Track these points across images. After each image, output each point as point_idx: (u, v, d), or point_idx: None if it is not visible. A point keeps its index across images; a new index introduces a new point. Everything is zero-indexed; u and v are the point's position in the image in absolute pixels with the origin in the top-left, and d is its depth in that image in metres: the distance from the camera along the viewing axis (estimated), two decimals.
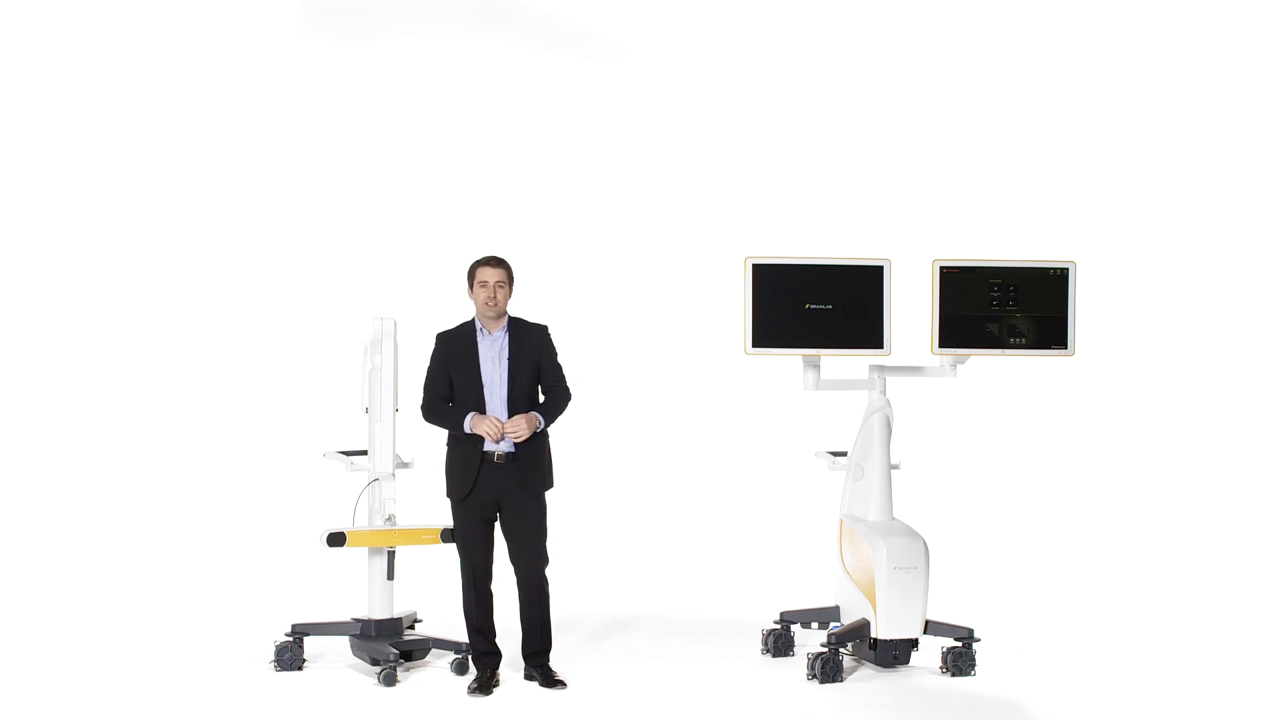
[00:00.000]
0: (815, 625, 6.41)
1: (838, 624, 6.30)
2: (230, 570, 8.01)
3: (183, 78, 8.90)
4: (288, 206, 9.00)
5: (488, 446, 5.83)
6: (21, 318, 8.69)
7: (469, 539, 5.93)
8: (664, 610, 7.54)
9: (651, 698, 5.82)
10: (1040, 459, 8.89)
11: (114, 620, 7.14)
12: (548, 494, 5.98)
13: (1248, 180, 8.98)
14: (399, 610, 6.35)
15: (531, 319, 6.03)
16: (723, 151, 9.25)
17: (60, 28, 8.77)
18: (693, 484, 8.91)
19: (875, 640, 6.06)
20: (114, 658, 6.42)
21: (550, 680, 5.93)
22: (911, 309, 6.41)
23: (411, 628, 6.44)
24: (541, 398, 5.95)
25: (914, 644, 6.13)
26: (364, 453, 6.29)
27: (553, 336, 6.00)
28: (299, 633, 6.18)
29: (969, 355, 6.20)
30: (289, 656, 6.14)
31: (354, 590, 6.76)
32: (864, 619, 6.11)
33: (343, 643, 6.40)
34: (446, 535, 6.11)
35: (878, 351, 6.15)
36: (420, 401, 5.97)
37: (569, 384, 5.99)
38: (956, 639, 6.13)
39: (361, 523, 6.22)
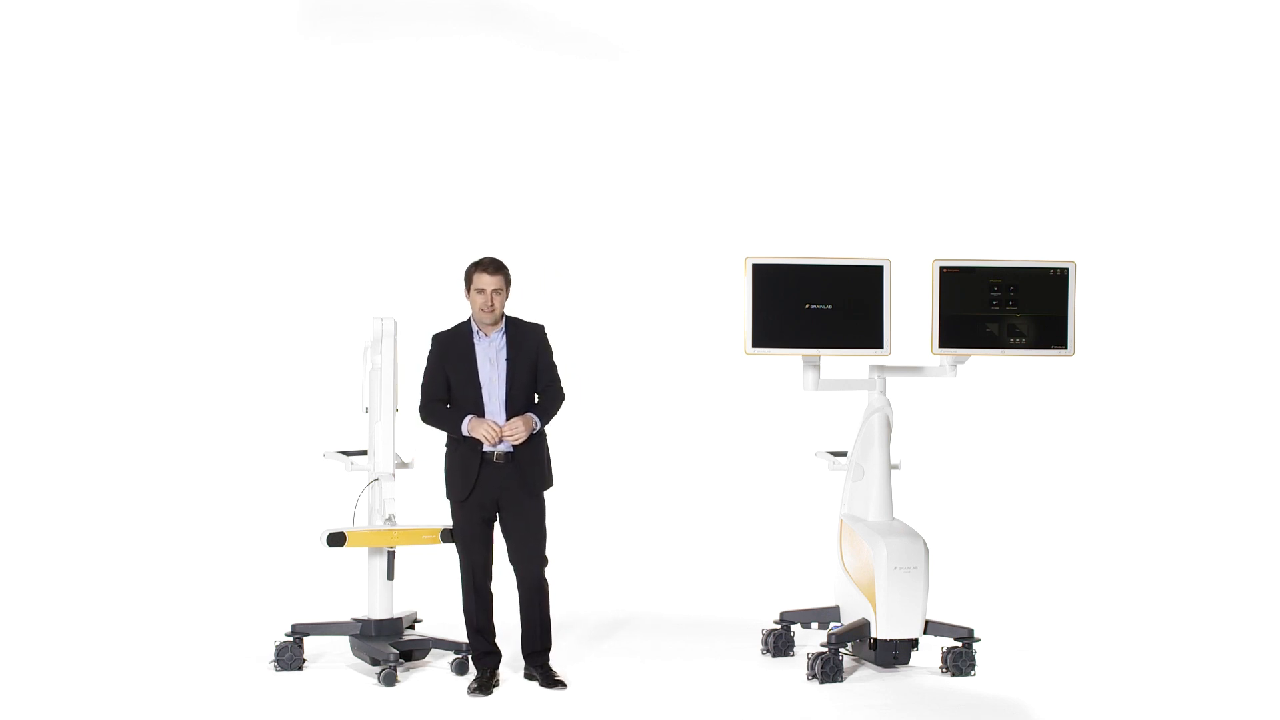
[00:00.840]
0: (815, 625, 6.41)
1: (838, 624, 6.30)
2: (230, 570, 8.01)
3: (183, 78, 8.90)
4: (288, 207, 9.00)
5: (486, 448, 5.83)
6: (23, 318, 8.69)
7: (469, 539, 5.92)
8: (664, 610, 7.54)
9: (651, 698, 5.82)
10: (1040, 459, 8.89)
11: (114, 620, 7.14)
12: (547, 493, 5.98)
13: (1247, 180, 8.98)
14: (399, 610, 6.35)
15: (529, 318, 6.03)
16: (723, 151, 9.25)
17: (61, 28, 8.77)
18: (692, 484, 8.91)
19: (875, 640, 6.06)
20: (114, 658, 6.42)
21: (550, 680, 5.93)
22: (911, 309, 6.41)
23: (411, 628, 6.44)
24: (537, 397, 5.95)
25: (914, 644, 6.13)
26: (364, 453, 6.29)
27: (549, 335, 6.00)
28: (299, 633, 6.17)
29: (969, 355, 6.20)
30: (289, 656, 6.14)
31: (354, 590, 6.76)
32: (864, 619, 6.11)
33: (343, 643, 6.40)
34: (446, 535, 6.11)
35: (878, 351, 6.15)
36: (418, 404, 5.97)
37: (562, 383, 5.99)
38: (956, 639, 6.13)
39: (361, 523, 6.22)
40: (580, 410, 6.39)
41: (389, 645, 6.04)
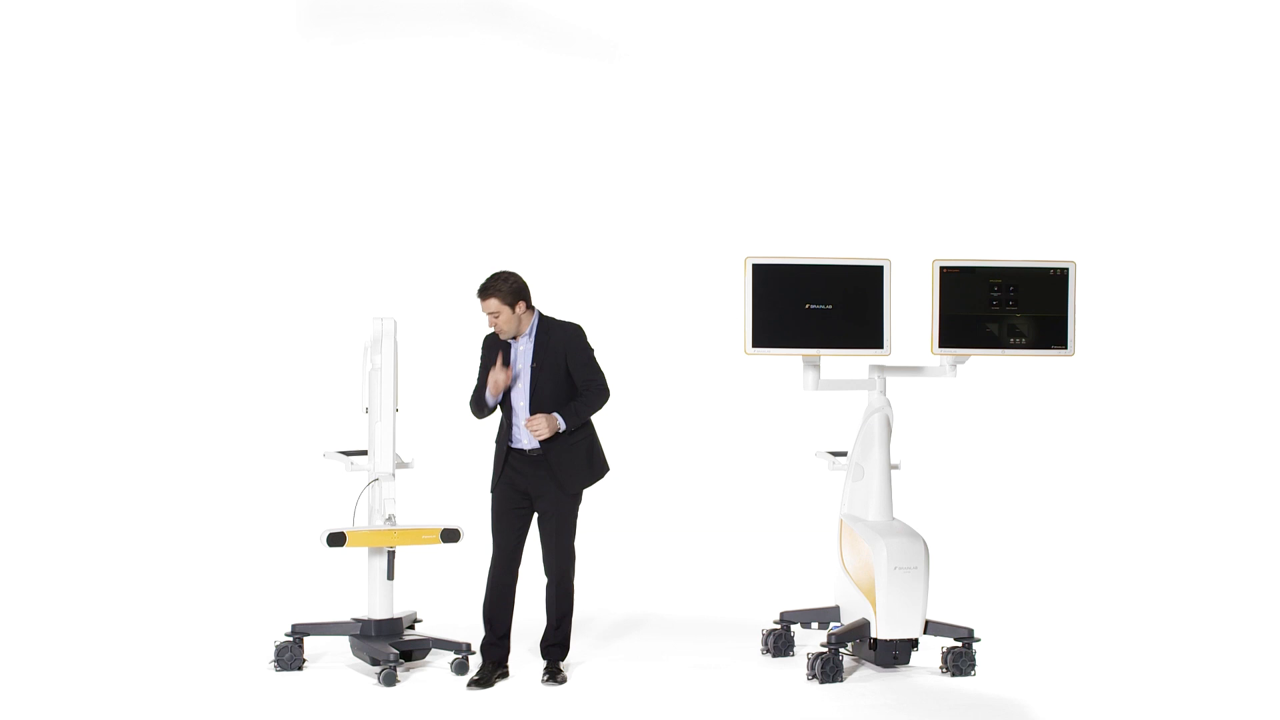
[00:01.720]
0: (815, 625, 6.40)
1: (838, 624, 6.29)
2: (230, 570, 8.01)
3: (184, 78, 8.91)
4: (288, 207, 9.01)
5: (515, 443, 5.90)
6: (23, 318, 8.70)
7: (497, 524, 6.00)
8: (665, 610, 7.53)
9: (652, 697, 5.82)
10: (1040, 459, 8.89)
11: (115, 620, 7.13)
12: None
13: (1247, 180, 8.99)
14: (399, 610, 6.35)
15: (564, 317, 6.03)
16: (723, 151, 9.26)
17: (61, 28, 8.77)
18: (693, 484, 8.91)
19: (875, 640, 6.06)
20: (115, 658, 6.42)
21: (552, 675, 5.95)
22: (911, 309, 6.40)
23: (411, 628, 6.43)
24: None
25: (914, 644, 6.13)
26: (364, 453, 6.29)
27: (583, 331, 6.02)
28: (299, 633, 6.17)
29: (969, 355, 6.20)
30: (289, 656, 6.14)
31: (354, 590, 6.76)
32: (864, 619, 6.11)
33: (343, 643, 6.40)
34: (447, 535, 6.10)
35: (878, 351, 6.15)
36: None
37: (605, 380, 5.99)
38: (956, 639, 6.13)
39: (361, 523, 6.22)
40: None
41: (389, 645, 6.04)
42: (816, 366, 6.29)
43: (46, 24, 8.76)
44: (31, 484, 8.49)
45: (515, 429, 5.94)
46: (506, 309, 5.88)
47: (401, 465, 6.29)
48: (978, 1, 9.17)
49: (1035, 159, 9.12)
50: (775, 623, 6.52)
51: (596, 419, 6.08)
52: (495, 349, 6.00)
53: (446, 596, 6.77)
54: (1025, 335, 6.16)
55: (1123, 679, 6.14)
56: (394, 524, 6.18)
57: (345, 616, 6.35)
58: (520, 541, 6.03)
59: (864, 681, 6.04)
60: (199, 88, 8.93)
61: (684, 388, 9.12)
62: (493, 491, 6.01)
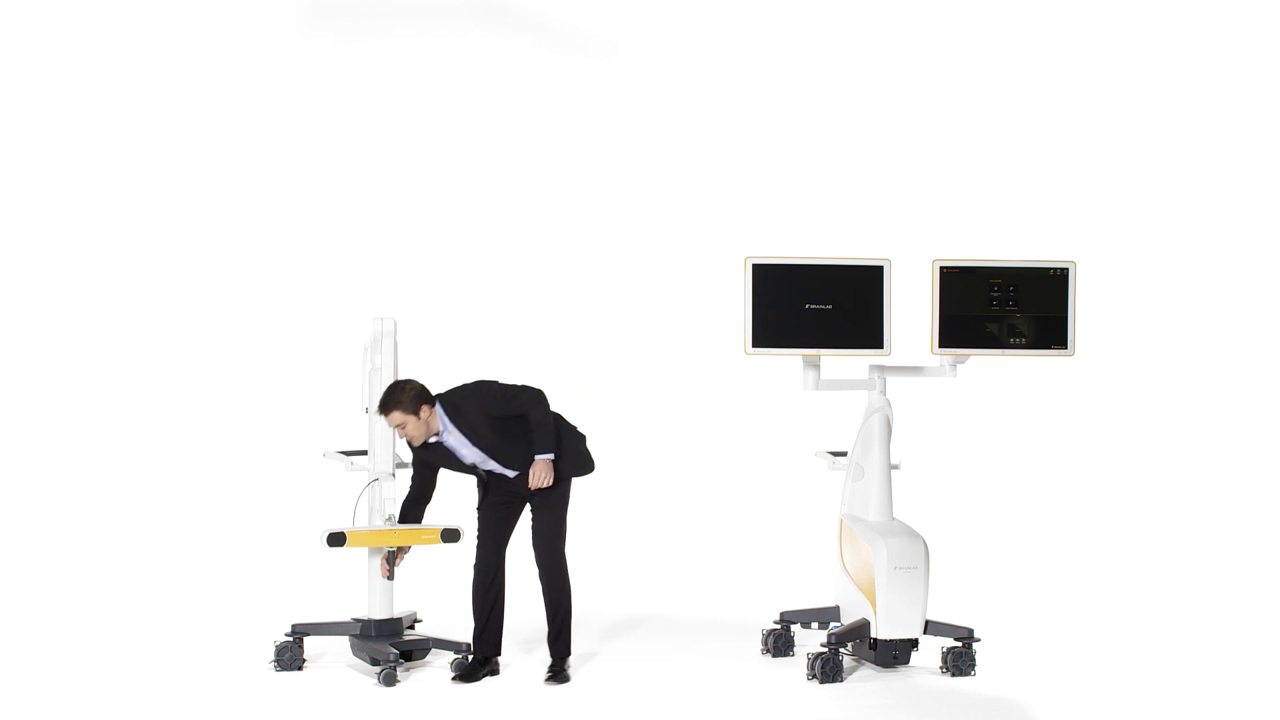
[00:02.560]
0: (815, 625, 6.40)
1: (838, 624, 6.29)
2: (230, 570, 8.01)
3: (184, 78, 8.90)
4: (288, 207, 9.00)
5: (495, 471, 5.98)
6: (23, 318, 8.69)
7: (484, 514, 6.03)
8: (665, 610, 7.53)
9: (652, 697, 5.82)
10: (1040, 459, 8.89)
11: (115, 620, 7.14)
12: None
13: (1247, 180, 8.98)
14: (399, 610, 6.35)
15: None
16: (723, 151, 9.25)
17: (61, 29, 8.77)
18: (693, 484, 8.91)
19: (875, 640, 6.06)
20: (115, 657, 6.42)
21: (555, 674, 5.96)
22: (911, 309, 6.40)
23: (411, 628, 6.43)
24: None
25: (914, 644, 6.13)
26: (364, 453, 6.29)
27: (475, 380, 5.95)
28: (299, 633, 6.17)
29: (969, 355, 6.20)
30: (289, 656, 6.14)
31: (354, 590, 6.76)
32: (864, 619, 6.11)
33: (343, 643, 6.40)
34: (447, 535, 6.10)
35: (878, 351, 6.15)
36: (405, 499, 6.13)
37: (523, 385, 5.94)
38: (956, 639, 6.13)
39: (361, 523, 6.22)
40: (580, 410, 6.38)
41: (389, 645, 6.04)
42: (816, 366, 6.29)
43: (47, 24, 8.76)
44: (32, 484, 8.49)
45: (491, 471, 5.98)
46: (412, 417, 5.80)
47: (402, 465, 6.29)
48: (978, 1, 9.17)
49: (1035, 159, 9.12)
50: (775, 623, 6.52)
51: (596, 419, 6.07)
52: (435, 453, 5.95)
53: (446, 596, 6.76)
54: (1025, 335, 6.16)
55: (1123, 679, 6.14)
56: (394, 524, 6.17)
57: (345, 616, 6.35)
58: (506, 532, 6.04)
59: (864, 681, 6.04)
60: (199, 88, 8.92)
61: (684, 388, 9.12)
62: (479, 508, 6.05)
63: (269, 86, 8.99)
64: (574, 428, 6.11)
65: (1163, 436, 8.88)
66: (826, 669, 5.97)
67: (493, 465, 5.95)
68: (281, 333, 8.80)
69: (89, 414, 8.70)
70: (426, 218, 9.05)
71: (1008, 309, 6.14)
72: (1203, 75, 9.01)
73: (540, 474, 5.84)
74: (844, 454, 6.59)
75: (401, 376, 6.28)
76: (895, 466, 6.40)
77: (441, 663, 6.26)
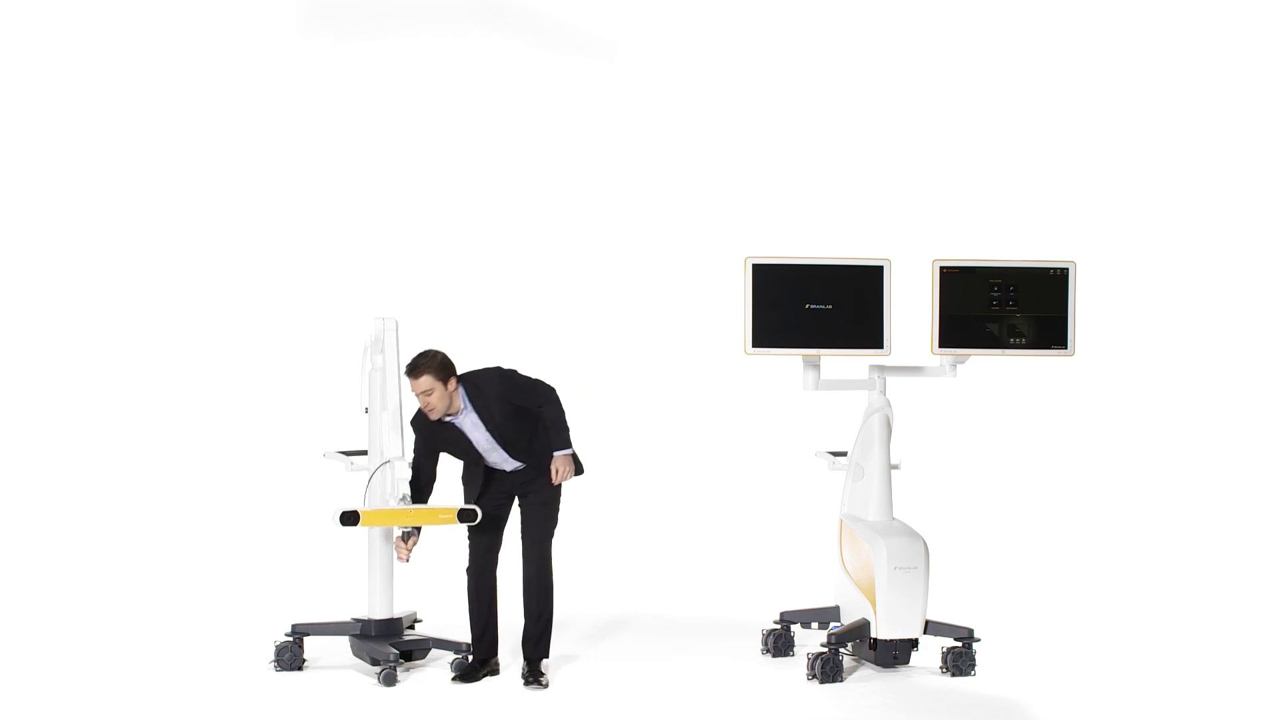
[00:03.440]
0: (815, 625, 6.40)
1: (838, 624, 6.29)
2: (230, 570, 8.01)
3: (184, 78, 8.91)
4: (288, 207, 9.00)
5: (495, 465, 5.93)
6: (24, 318, 8.69)
7: (474, 526, 5.97)
8: (664, 610, 7.53)
9: (651, 697, 5.82)
10: (1040, 459, 8.89)
11: (115, 620, 7.14)
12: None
13: (1247, 180, 8.98)
14: (399, 610, 6.35)
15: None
16: (723, 151, 9.25)
17: (61, 29, 8.77)
18: (693, 484, 8.91)
19: (875, 640, 6.06)
20: (115, 657, 6.42)
21: (533, 678, 5.93)
22: (911, 309, 6.40)
23: (411, 628, 6.44)
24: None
25: (914, 644, 6.13)
26: (364, 453, 6.28)
27: (502, 368, 5.96)
28: (299, 633, 6.17)
29: (969, 355, 6.20)
30: (289, 656, 6.14)
31: (354, 590, 6.76)
32: (864, 619, 6.11)
33: (343, 643, 6.39)
34: (464, 515, 5.90)
35: (878, 351, 6.15)
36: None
37: (543, 381, 5.95)
38: (956, 639, 6.13)
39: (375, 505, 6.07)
40: (581, 410, 6.38)
41: (389, 645, 6.04)
42: (816, 366, 6.29)
43: (47, 24, 8.76)
44: (33, 484, 8.49)
45: (495, 468, 5.96)
46: (440, 385, 5.78)
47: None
48: (977, 2, 9.17)
49: (1035, 159, 9.12)
50: (775, 623, 6.52)
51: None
52: (439, 431, 5.90)
53: (446, 596, 6.76)
54: (1025, 335, 6.16)
55: (1123, 679, 6.14)
56: (408, 503, 6.03)
57: (345, 616, 6.35)
58: (497, 539, 6.02)
59: (864, 681, 6.04)
60: (199, 88, 8.92)
61: (684, 388, 9.12)
62: (477, 502, 5.96)
63: (269, 86, 8.99)
64: None
65: (1162, 436, 8.88)
66: (826, 669, 5.97)
67: (499, 455, 5.93)
68: (282, 332, 8.80)
69: (89, 414, 8.70)
70: (427, 218, 9.05)
71: (1008, 309, 6.14)
72: (1202, 75, 9.01)
73: (562, 469, 5.86)
74: (844, 454, 6.59)
75: (400, 377, 6.28)
76: (895, 466, 6.40)
77: (441, 663, 6.26)
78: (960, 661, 6.11)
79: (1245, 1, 8.95)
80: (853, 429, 6.47)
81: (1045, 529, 8.64)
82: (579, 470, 6.03)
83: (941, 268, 6.14)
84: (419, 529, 5.92)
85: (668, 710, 5.64)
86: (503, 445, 5.90)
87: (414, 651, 6.22)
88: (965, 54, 9.17)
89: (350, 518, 5.83)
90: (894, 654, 6.10)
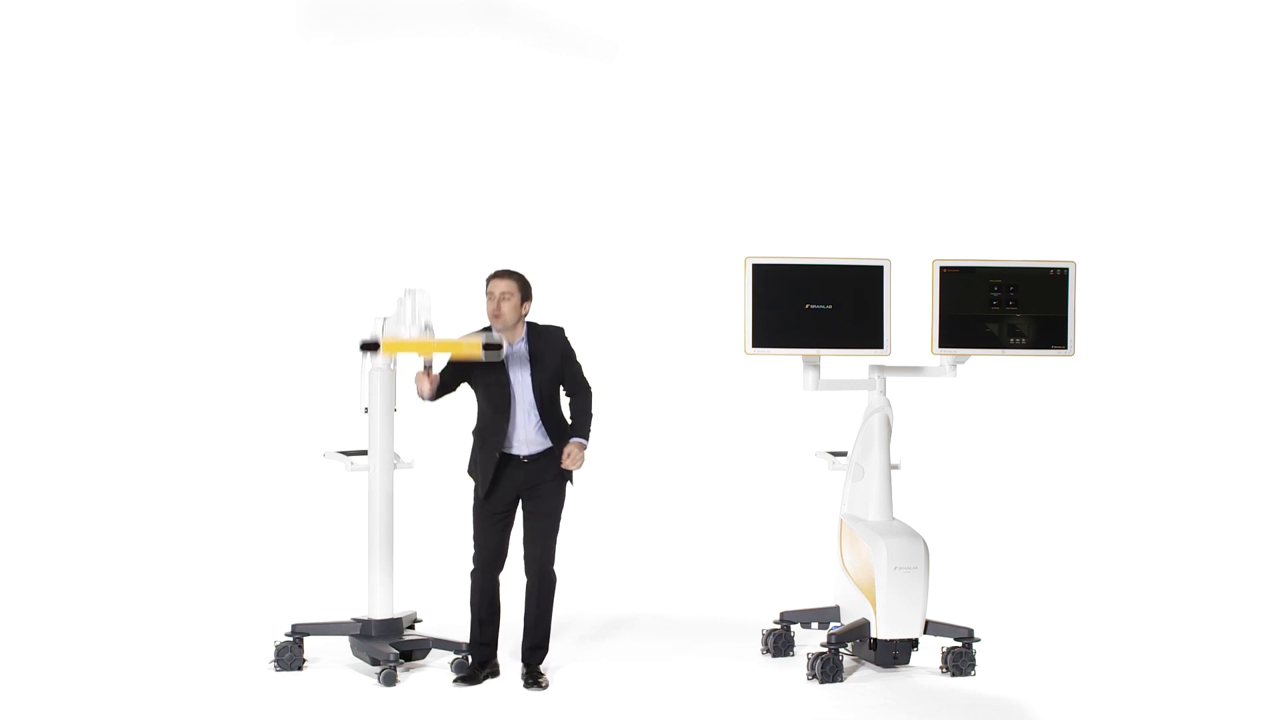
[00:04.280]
0: (815, 625, 6.41)
1: (838, 624, 6.30)
2: (230, 570, 8.01)
3: (184, 78, 8.91)
4: (289, 207, 9.00)
5: (510, 449, 5.88)
6: (23, 318, 8.70)
7: (482, 526, 5.96)
8: (664, 610, 7.53)
9: (651, 697, 5.82)
10: (1040, 459, 8.89)
11: (115, 620, 7.13)
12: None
13: (1247, 180, 8.99)
14: (399, 610, 6.35)
15: (545, 321, 6.04)
16: (723, 151, 9.25)
17: (62, 29, 8.77)
18: (693, 484, 8.91)
19: (875, 640, 6.06)
20: (115, 657, 6.42)
21: (533, 680, 5.93)
22: (911, 309, 6.41)
23: (411, 628, 6.43)
24: (565, 398, 5.99)
25: (914, 644, 6.13)
26: (364, 453, 6.28)
27: (569, 337, 6.02)
28: (299, 633, 6.17)
29: (969, 355, 6.20)
30: (289, 656, 6.14)
31: (354, 590, 6.76)
32: (864, 619, 6.11)
33: (343, 643, 6.39)
34: (489, 347, 5.70)
35: (878, 351, 6.15)
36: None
37: (586, 378, 6.03)
38: (956, 639, 6.13)
39: (393, 332, 5.88)
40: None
41: (389, 645, 6.04)
42: (816, 366, 6.29)
43: (47, 24, 8.76)
44: (33, 484, 8.49)
45: (513, 438, 5.90)
46: (519, 294, 5.88)
47: (402, 465, 6.28)
48: (977, 2, 9.17)
49: (1035, 159, 9.12)
50: (775, 623, 6.52)
51: (595, 419, 6.07)
52: (473, 365, 5.82)
53: (446, 596, 6.76)
54: (1025, 335, 6.16)
55: (1123, 679, 6.14)
56: (431, 334, 5.82)
57: (345, 616, 6.35)
58: (505, 539, 6.01)
59: (864, 681, 6.04)
60: (199, 88, 8.93)
61: (684, 388, 9.12)
62: (486, 499, 5.94)
63: (269, 86, 9.00)
64: None
65: (1162, 436, 8.88)
66: (826, 669, 5.97)
67: (521, 418, 5.86)
68: (282, 332, 8.80)
69: (90, 414, 8.70)
70: (427, 218, 9.05)
71: (1008, 309, 6.15)
72: (1202, 75, 9.01)
73: (575, 454, 5.87)
74: (844, 454, 6.59)
75: (400, 377, 6.28)
76: (895, 466, 6.40)
77: (441, 663, 6.26)
78: (960, 661, 6.11)
79: (1245, 1, 8.95)
80: (853, 429, 6.47)
81: (1045, 529, 8.64)
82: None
83: (941, 268, 6.14)
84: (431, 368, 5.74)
85: (668, 710, 5.64)
86: (537, 399, 5.87)
87: (414, 651, 6.22)
88: (965, 54, 9.18)
89: (370, 346, 5.70)
90: (894, 654, 6.10)
